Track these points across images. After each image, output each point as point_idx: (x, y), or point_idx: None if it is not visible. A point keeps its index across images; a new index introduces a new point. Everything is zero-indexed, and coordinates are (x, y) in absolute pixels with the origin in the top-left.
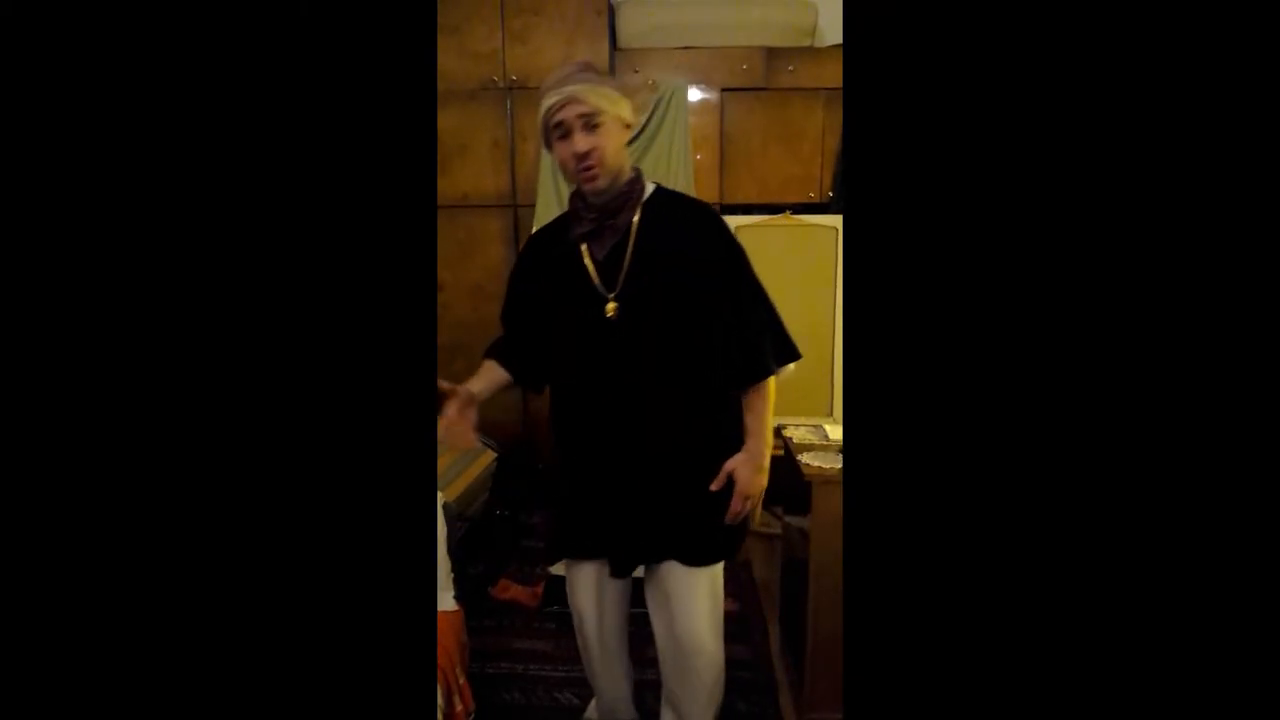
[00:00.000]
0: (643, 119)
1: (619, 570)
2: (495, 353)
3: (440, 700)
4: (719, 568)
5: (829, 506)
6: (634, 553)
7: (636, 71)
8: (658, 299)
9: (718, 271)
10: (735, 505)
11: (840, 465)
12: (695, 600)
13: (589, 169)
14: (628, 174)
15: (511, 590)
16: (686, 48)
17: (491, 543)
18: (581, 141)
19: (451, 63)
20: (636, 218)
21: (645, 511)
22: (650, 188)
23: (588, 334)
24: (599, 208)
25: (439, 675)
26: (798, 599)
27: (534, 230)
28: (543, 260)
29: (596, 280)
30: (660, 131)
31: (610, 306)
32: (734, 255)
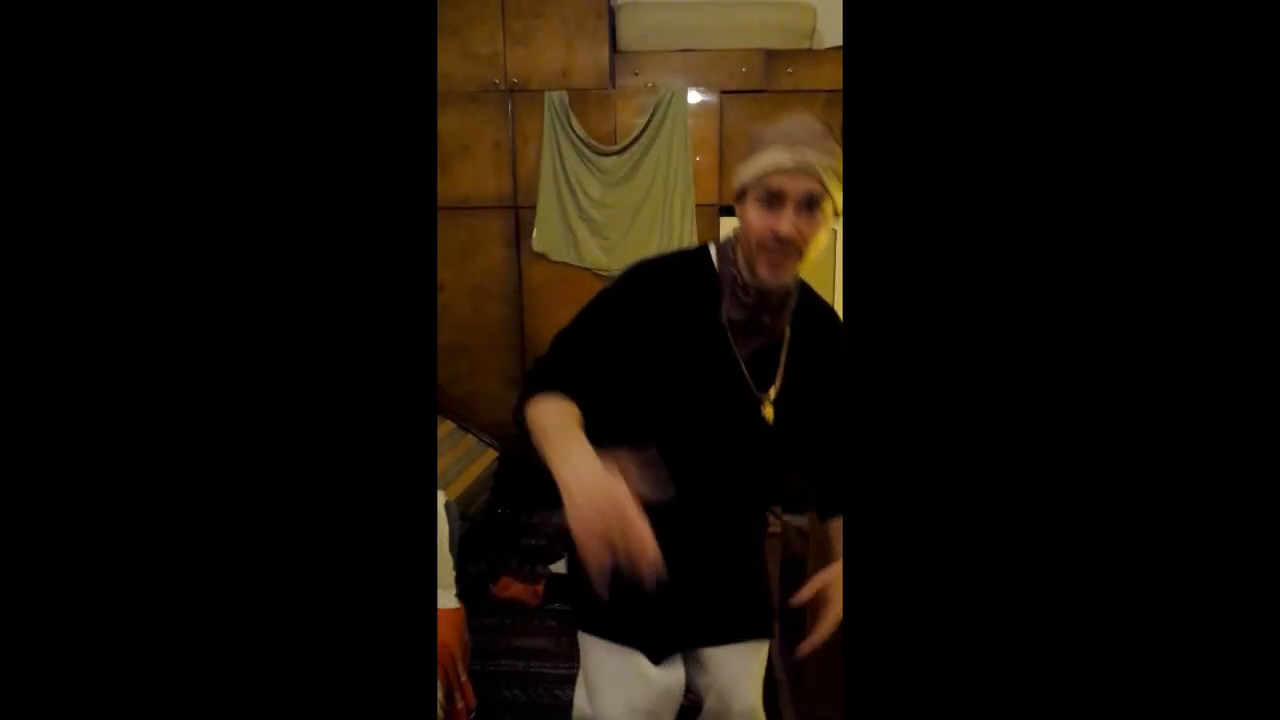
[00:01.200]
0: (643, 121)
1: (661, 654)
2: (554, 386)
3: (441, 697)
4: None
5: None
6: (685, 634)
7: (636, 74)
8: (799, 410)
9: (833, 393)
10: (824, 631)
11: None
12: (753, 676)
13: (785, 256)
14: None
15: (512, 588)
16: (686, 50)
17: (493, 541)
18: (791, 223)
19: (453, 64)
20: (789, 325)
21: (710, 598)
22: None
23: (737, 429)
24: (759, 295)
25: (440, 672)
26: None
27: (637, 262)
28: (665, 319)
29: (749, 377)
30: (660, 134)
31: (769, 411)
32: (838, 379)
